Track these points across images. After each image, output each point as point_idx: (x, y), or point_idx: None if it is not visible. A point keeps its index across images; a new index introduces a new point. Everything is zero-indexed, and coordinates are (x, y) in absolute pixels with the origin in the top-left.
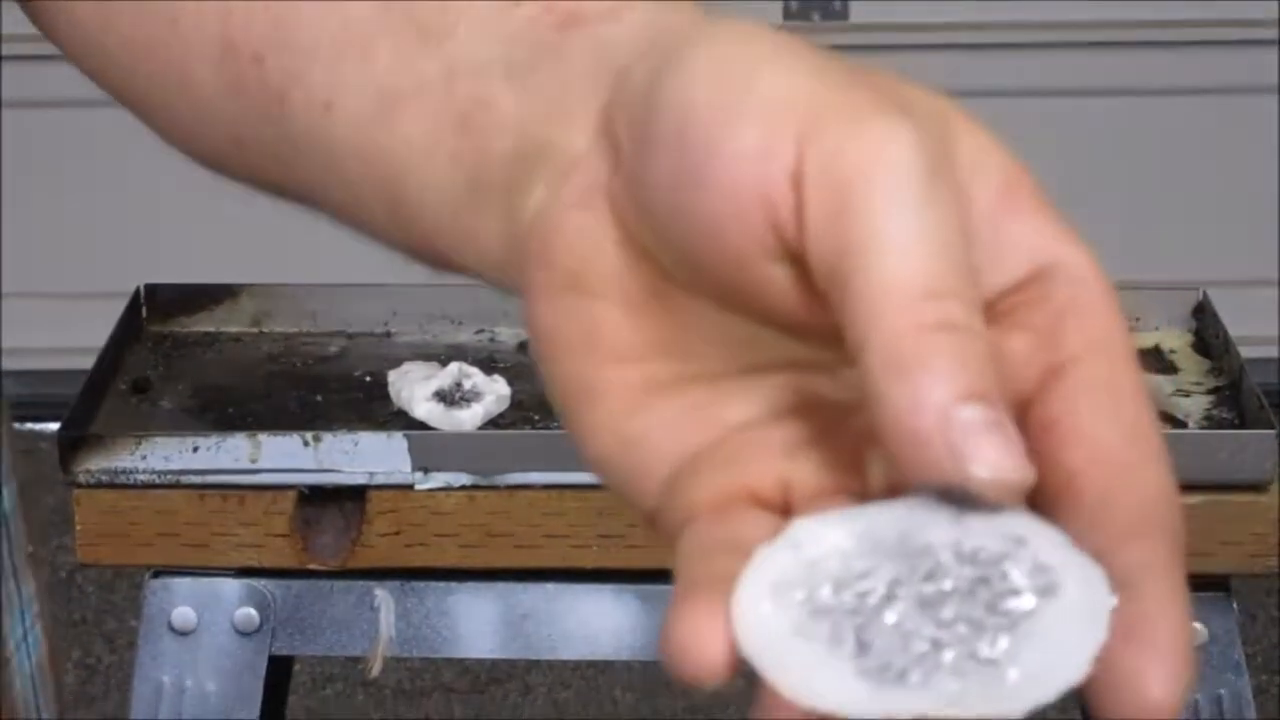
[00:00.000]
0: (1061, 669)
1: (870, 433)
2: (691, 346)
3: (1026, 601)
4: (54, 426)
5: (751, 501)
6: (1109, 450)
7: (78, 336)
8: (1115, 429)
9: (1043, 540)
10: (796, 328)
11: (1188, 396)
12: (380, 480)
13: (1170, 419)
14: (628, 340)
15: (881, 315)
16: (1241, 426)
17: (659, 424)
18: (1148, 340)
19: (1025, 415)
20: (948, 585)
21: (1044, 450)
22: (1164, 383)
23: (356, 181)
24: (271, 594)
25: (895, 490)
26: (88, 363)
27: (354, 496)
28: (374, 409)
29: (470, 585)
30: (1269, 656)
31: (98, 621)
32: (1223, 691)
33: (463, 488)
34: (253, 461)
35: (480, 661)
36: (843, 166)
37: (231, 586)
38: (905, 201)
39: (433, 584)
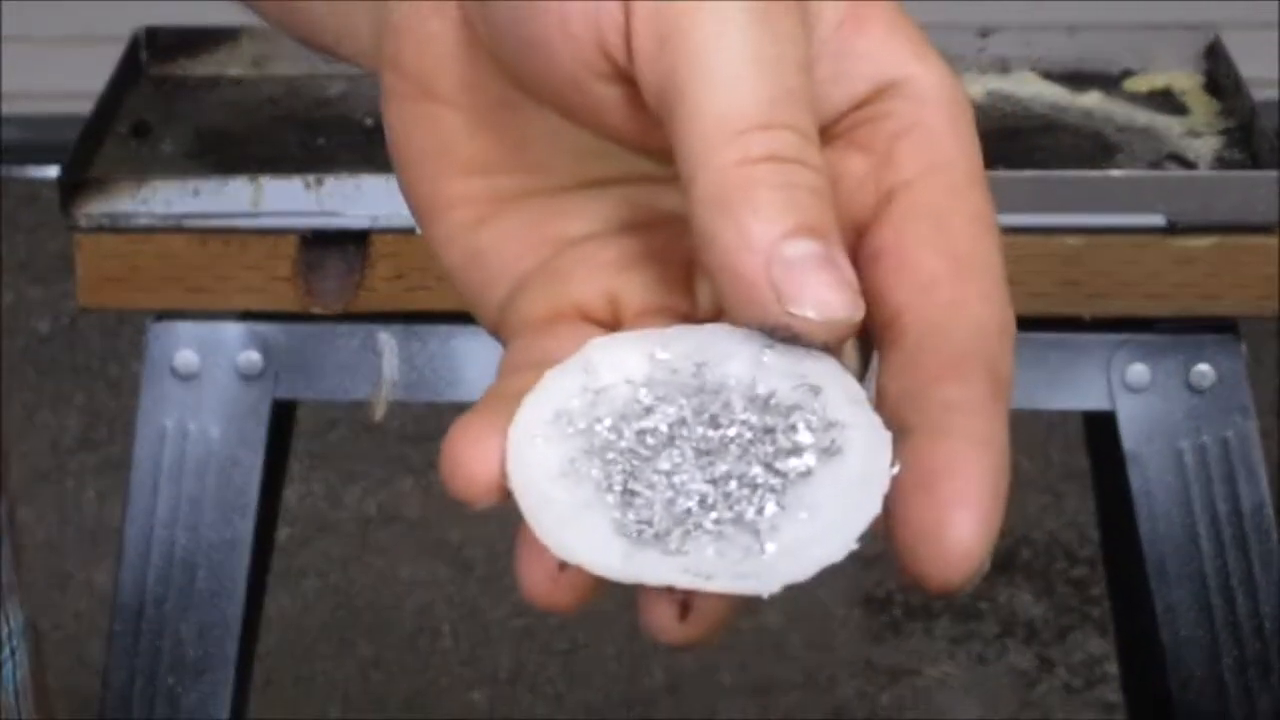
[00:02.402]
0: (823, 546)
1: None
2: (538, 159)
3: (806, 461)
4: (54, 171)
5: (579, 318)
6: (933, 283)
7: (78, 80)
8: (942, 259)
9: (838, 392)
10: (634, 146)
11: (1198, 138)
12: (383, 224)
13: (1181, 160)
14: (474, 151)
15: (707, 150)
16: (1253, 168)
17: (501, 237)
18: (1158, 81)
19: (858, 243)
20: (731, 432)
21: (870, 282)
22: (1175, 124)
23: None
24: (274, 338)
25: (722, 313)
26: (87, 107)
27: (356, 240)
28: (376, 152)
29: (473, 329)
30: (1274, 399)
31: (101, 367)
32: (1229, 434)
33: None
34: (254, 205)
35: None
36: None
37: (234, 330)
38: (735, 26)
39: (436, 328)
